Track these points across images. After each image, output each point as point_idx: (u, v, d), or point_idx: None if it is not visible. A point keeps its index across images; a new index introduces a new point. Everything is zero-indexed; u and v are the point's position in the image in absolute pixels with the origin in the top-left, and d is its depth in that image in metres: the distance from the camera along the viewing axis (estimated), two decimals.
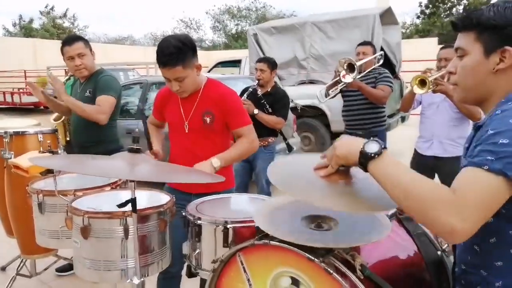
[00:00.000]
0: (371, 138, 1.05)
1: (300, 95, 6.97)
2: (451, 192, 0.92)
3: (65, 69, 4.94)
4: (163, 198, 1.88)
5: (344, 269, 1.05)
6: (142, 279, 1.54)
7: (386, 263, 1.22)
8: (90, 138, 2.94)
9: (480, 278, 1.07)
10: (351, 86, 3.64)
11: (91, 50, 3.02)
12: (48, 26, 33.14)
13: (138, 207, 1.62)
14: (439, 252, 1.34)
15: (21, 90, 15.72)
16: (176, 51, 1.97)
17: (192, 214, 1.71)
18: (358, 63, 3.60)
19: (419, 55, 11.55)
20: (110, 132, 3.03)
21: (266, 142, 3.87)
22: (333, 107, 6.40)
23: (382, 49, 6.60)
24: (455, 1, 31.76)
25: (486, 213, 0.92)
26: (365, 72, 3.78)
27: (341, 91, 3.82)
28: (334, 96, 3.89)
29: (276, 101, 3.85)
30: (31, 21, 34.62)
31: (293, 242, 1.07)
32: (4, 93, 15.60)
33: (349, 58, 3.60)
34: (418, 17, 34.53)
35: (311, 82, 7.21)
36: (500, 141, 0.92)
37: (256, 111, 3.74)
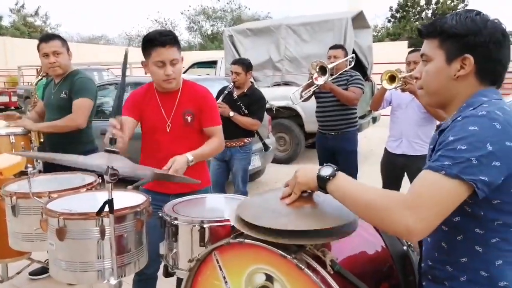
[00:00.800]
0: (324, 164, 1.17)
1: (275, 96, 7.05)
2: (405, 196, 1.00)
3: (36, 69, 4.85)
4: (139, 198, 1.90)
5: (315, 264, 1.11)
6: (119, 280, 1.56)
7: (355, 258, 1.28)
8: (64, 140, 2.92)
9: (447, 274, 1.14)
10: (324, 88, 3.74)
11: (68, 50, 3.01)
12: (19, 24, 32.17)
13: (115, 207, 1.64)
14: (405, 247, 1.43)
15: None
16: (172, 33, 2.11)
17: (168, 214, 1.74)
18: (330, 66, 3.71)
19: (390, 58, 11.83)
20: (85, 133, 3.01)
21: (242, 143, 3.94)
22: (307, 108, 6.50)
23: (354, 52, 6.76)
24: (424, 6, 32.72)
25: (442, 214, 0.98)
26: (337, 75, 3.89)
27: (314, 93, 3.92)
28: (308, 98, 3.98)
29: (252, 102, 3.91)
30: (0, 18, 33.54)
31: (266, 240, 1.12)
32: None
33: (321, 61, 3.71)
34: (389, 21, 35.39)
35: (286, 83, 7.30)
36: (459, 147, 0.99)
37: (231, 113, 3.79)
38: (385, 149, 3.66)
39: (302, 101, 4.04)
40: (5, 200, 2.08)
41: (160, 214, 1.79)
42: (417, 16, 32.54)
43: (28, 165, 1.92)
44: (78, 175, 2.41)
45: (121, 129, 1.64)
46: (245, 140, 3.96)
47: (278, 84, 7.39)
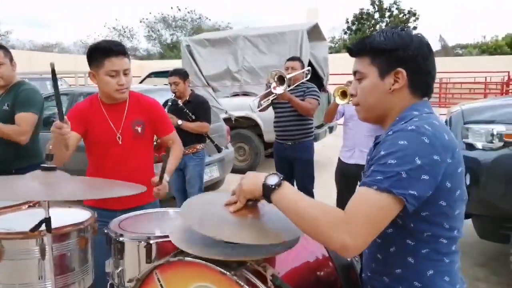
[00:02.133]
0: (271, 173, 1.16)
1: (234, 106, 7.08)
2: (342, 212, 1.02)
3: None
4: (83, 214, 1.84)
5: (255, 280, 1.11)
6: None
7: (298, 271, 1.29)
8: (9, 153, 2.78)
9: (384, 284, 1.18)
10: (282, 98, 3.80)
11: (11, 60, 2.87)
12: None
13: (57, 225, 1.58)
14: (349, 259, 1.46)
15: None
16: (121, 44, 2.13)
17: (114, 230, 1.69)
18: (288, 76, 3.78)
19: (347, 69, 12.19)
20: (32, 146, 2.88)
21: (195, 149, 4.03)
22: (266, 118, 6.55)
23: (310, 63, 6.92)
24: (378, 19, 34.11)
25: (375, 229, 1.01)
26: (294, 86, 3.95)
27: (272, 103, 3.97)
28: (267, 107, 4.02)
29: (197, 107, 4.01)
30: None
31: (206, 257, 1.11)
32: None
33: (279, 71, 3.77)
34: (345, 33, 36.57)
35: (245, 94, 7.34)
36: (389, 162, 1.02)
37: (180, 121, 3.86)
38: (339, 158, 3.75)
39: (260, 110, 4.08)
40: None
41: (105, 231, 1.73)
42: (372, 28, 33.81)
43: None
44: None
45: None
46: (198, 147, 4.06)
47: (236, 94, 7.42)
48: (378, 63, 1.16)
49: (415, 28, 33.82)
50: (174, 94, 3.99)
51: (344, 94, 3.35)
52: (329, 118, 3.74)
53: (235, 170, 6.56)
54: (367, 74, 1.19)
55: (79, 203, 1.99)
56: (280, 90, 3.71)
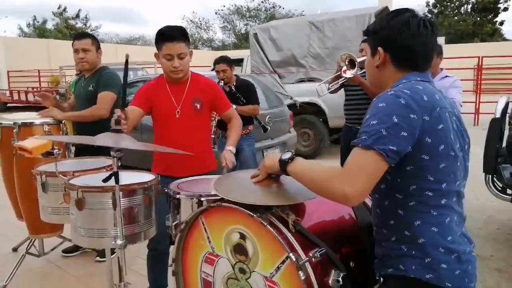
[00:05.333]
0: (286, 150, 1.37)
1: (299, 92, 7.21)
2: (340, 168, 1.18)
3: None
4: (149, 177, 2.14)
5: (277, 222, 1.29)
6: (124, 240, 1.80)
7: (320, 224, 1.44)
8: (90, 128, 3.21)
9: (383, 236, 1.31)
10: (352, 81, 3.65)
11: (98, 48, 3.30)
12: (61, 26, 33.79)
13: (127, 183, 1.89)
14: (352, 206, 1.57)
15: (34, 89, 16.18)
16: (181, 29, 2.34)
17: (172, 190, 1.97)
18: (359, 60, 3.74)
19: None
20: (108, 122, 3.29)
21: (248, 130, 4.29)
22: (331, 104, 6.61)
23: None
24: (464, 0, 31.63)
25: (369, 179, 1.14)
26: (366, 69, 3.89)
27: (343, 85, 3.85)
28: (336, 90, 3.90)
29: (245, 91, 4.24)
30: (44, 22, 35.35)
31: (239, 202, 1.32)
32: (19, 92, 16.10)
33: (350, 54, 3.63)
34: (425, 16, 34.44)
35: (310, 79, 7.43)
36: (371, 123, 1.16)
37: (233, 106, 4.04)
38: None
39: (330, 92, 3.92)
40: (37, 178, 2.38)
41: (166, 190, 2.02)
42: (456, 11, 31.54)
43: (55, 147, 2.20)
44: (101, 159, 2.70)
45: (125, 118, 1.88)
46: (249, 128, 4.32)
47: (302, 80, 7.53)
48: (370, 44, 1.37)
49: (506, 9, 30.97)
50: (222, 81, 4.21)
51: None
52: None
53: (299, 155, 6.72)
54: (366, 53, 1.39)
55: (147, 172, 2.31)
56: (350, 74, 3.57)
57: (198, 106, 2.43)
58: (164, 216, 2.20)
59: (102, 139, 1.68)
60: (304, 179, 1.27)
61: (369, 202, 1.55)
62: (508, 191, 3.62)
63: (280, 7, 41.81)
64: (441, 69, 3.57)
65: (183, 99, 2.41)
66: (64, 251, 3.58)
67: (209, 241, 1.50)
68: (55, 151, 2.19)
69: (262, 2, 41.34)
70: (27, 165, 2.72)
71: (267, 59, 7.71)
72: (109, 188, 1.91)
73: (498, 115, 3.56)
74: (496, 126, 3.55)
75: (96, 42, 3.30)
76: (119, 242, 1.77)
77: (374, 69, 1.35)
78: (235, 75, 4.38)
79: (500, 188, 3.65)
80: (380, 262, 1.34)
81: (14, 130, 3.02)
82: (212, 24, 58.34)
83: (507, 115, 3.79)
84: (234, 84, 4.26)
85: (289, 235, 1.27)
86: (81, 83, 3.38)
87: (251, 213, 1.29)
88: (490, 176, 3.64)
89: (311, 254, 1.25)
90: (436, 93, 1.25)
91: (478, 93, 11.39)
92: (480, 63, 11.89)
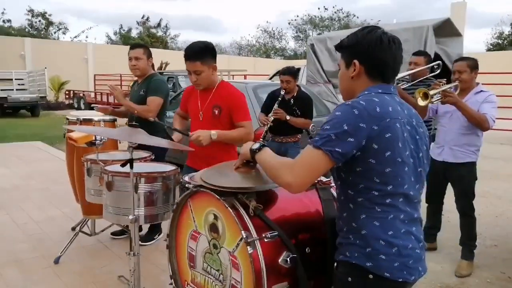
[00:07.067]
0: (257, 141, 1.59)
1: None
2: (293, 161, 1.38)
3: None
4: (169, 168, 2.49)
5: (238, 206, 1.53)
6: (135, 216, 2.15)
7: (284, 214, 1.62)
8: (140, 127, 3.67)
9: (339, 227, 1.49)
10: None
11: (149, 57, 3.74)
12: (144, 35, 36.35)
13: (149, 171, 2.27)
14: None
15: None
16: (198, 50, 2.63)
17: (185, 180, 2.29)
18: (407, 72, 3.80)
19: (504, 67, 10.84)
20: (158, 123, 3.72)
21: (296, 138, 4.53)
22: None
23: (440, 59, 6.64)
24: None
25: (312, 174, 1.34)
26: (415, 81, 3.95)
27: None
28: None
29: (303, 104, 4.43)
30: (129, 30, 38.30)
31: (211, 187, 1.59)
32: (101, 93, 17.80)
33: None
34: None
35: None
36: (325, 127, 1.35)
37: (288, 117, 4.31)
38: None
39: None
40: (84, 165, 2.85)
41: (181, 180, 2.34)
42: None
43: (96, 137, 2.64)
44: (140, 153, 3.10)
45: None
46: (298, 136, 4.54)
47: None
48: (344, 57, 1.51)
49: None
50: (284, 90, 4.44)
51: (426, 96, 3.35)
52: (420, 115, 3.75)
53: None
54: (340, 65, 1.54)
55: (171, 164, 2.67)
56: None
57: (217, 112, 2.69)
58: None
59: (119, 134, 2.06)
60: (264, 167, 1.49)
61: None
62: None
63: (354, 15, 41.21)
64: (477, 83, 3.54)
65: (206, 105, 2.73)
66: (113, 233, 4.04)
67: (194, 221, 1.78)
68: (96, 141, 2.63)
69: (336, 12, 41.21)
70: (81, 154, 3.22)
71: (322, 69, 7.87)
72: (133, 175, 2.28)
73: None
74: None
75: (147, 51, 3.74)
76: (131, 217, 2.12)
77: (349, 80, 1.49)
78: (297, 85, 4.57)
79: None
80: (337, 250, 1.53)
81: (77, 124, 3.56)
82: (285, 33, 59.14)
83: None
84: (295, 95, 4.47)
85: (246, 217, 1.51)
86: (135, 87, 3.85)
87: (217, 196, 1.56)
88: None
89: (263, 235, 1.48)
90: (391, 105, 1.40)
91: None
92: None
